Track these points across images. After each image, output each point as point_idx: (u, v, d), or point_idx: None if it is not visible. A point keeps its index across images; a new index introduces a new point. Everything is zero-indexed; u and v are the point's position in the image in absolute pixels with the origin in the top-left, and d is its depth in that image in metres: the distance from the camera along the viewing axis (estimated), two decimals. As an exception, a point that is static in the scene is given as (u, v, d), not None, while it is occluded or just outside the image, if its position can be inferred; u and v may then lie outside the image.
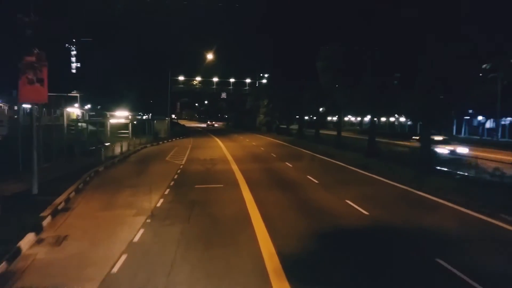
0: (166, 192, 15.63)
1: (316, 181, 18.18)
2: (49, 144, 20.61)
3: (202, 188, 16.71)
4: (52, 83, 15.07)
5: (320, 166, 24.70)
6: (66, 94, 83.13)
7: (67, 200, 13.78)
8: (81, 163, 21.96)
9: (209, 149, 36.65)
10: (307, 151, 33.41)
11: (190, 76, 75.21)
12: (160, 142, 43.20)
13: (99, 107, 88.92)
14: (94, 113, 58.81)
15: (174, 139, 49.42)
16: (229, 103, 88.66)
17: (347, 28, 27.94)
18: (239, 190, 16.05)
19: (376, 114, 31.96)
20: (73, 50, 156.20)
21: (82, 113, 75.15)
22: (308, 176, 19.42)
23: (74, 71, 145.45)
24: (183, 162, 26.10)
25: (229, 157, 28.99)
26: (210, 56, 53.64)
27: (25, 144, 16.74)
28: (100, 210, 12.93)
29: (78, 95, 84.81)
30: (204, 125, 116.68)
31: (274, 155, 30.39)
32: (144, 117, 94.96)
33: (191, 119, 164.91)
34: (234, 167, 23.32)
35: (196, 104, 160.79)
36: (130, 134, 44.66)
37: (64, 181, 16.26)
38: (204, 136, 60.36)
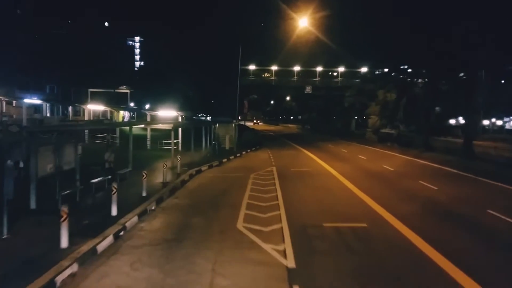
0: None
1: None
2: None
3: None
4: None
5: None
6: (113, 90, 71.12)
7: None
8: None
9: (313, 178, 20.04)
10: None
11: (263, 64, 59.17)
12: (224, 160, 27.33)
13: (147, 106, 76.59)
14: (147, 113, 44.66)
15: (243, 152, 33.39)
16: (315, 98, 70.86)
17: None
18: None
19: None
20: (136, 48, 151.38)
21: (132, 114, 61.99)
22: None
23: (136, 69, 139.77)
24: (286, 242, 9.63)
25: (392, 220, 11.95)
26: (303, 23, 36.62)
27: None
28: None
29: (128, 91, 72.79)
30: (272, 127, 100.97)
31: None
32: (204, 118, 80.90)
33: (257, 120, 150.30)
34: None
35: (272, 102, 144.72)
36: (179, 145, 29.48)
37: None
38: (284, 146, 43.64)
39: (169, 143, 30.42)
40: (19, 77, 47.84)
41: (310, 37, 48.35)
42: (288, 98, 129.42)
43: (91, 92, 63.81)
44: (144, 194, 14.28)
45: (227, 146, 34.05)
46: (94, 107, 34.11)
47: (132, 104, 79.43)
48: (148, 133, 30.84)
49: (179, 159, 20.08)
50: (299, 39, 47.22)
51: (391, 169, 23.54)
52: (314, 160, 28.75)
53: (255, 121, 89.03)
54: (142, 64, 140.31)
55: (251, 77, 58.91)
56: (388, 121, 40.01)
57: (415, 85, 36.81)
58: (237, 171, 22.81)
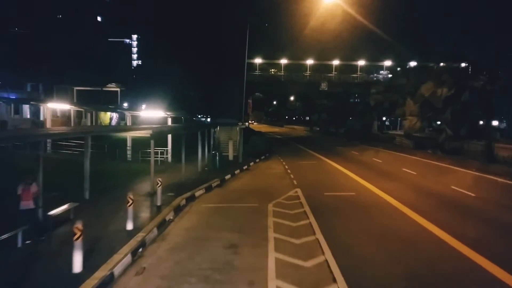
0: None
1: None
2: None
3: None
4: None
5: None
6: (100, 88, 64.54)
7: None
8: None
9: (368, 214, 13.37)
10: None
11: (270, 58, 52.02)
12: (227, 176, 20.47)
13: (144, 106, 69.90)
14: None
15: (251, 163, 26.50)
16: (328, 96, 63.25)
17: None
18: None
19: None
20: (134, 47, 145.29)
21: (121, 115, 55.02)
22: None
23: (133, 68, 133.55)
24: None
25: None
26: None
27: None
28: None
29: (118, 89, 66.10)
30: (277, 129, 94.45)
31: None
32: (205, 119, 73.81)
33: (259, 121, 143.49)
34: None
35: (274, 102, 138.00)
36: (169, 155, 22.69)
37: None
38: (298, 153, 36.73)
39: (158, 151, 23.54)
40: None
41: (328, 24, 41.51)
42: (292, 98, 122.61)
43: (77, 90, 57.31)
44: (76, 269, 7.36)
45: (230, 155, 27.06)
46: (60, 106, 27.18)
47: (126, 104, 72.71)
48: (129, 139, 23.87)
49: (159, 183, 13.15)
50: (316, 25, 40.34)
51: (472, 194, 16.50)
52: (347, 175, 21.74)
53: (250, 121, 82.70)
54: (140, 63, 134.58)
55: (256, 72, 51.77)
56: (431, 123, 32.97)
57: (475, 79, 29.71)
58: (246, 197, 15.86)
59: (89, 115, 38.74)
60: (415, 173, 22.27)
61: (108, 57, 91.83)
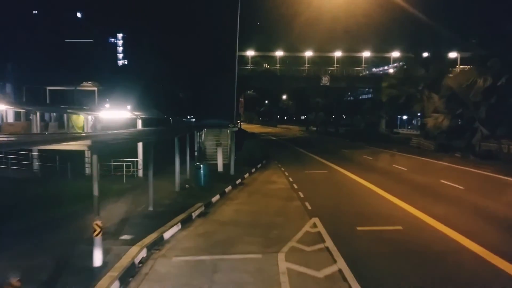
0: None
1: None
2: None
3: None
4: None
5: None
6: (74, 88, 59.06)
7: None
8: None
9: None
10: None
11: (264, 50, 46.58)
12: (214, 198, 15.32)
13: (128, 107, 64.75)
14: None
15: (246, 175, 21.33)
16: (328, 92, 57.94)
17: None
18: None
19: None
20: (119, 46, 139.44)
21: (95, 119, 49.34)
22: None
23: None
24: None
25: None
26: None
27: None
28: None
29: (95, 88, 60.62)
30: (270, 129, 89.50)
31: None
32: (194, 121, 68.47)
33: (250, 122, 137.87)
34: None
35: (266, 102, 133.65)
36: (140, 167, 17.37)
37: None
38: (301, 159, 31.67)
39: (124, 163, 18.19)
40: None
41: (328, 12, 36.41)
42: (284, 97, 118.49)
43: (50, 90, 51.88)
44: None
45: (219, 165, 21.66)
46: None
47: (108, 105, 67.28)
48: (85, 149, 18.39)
49: (96, 230, 7.84)
50: (315, 13, 35.16)
51: None
52: (374, 192, 16.57)
53: (239, 121, 77.09)
54: (126, 63, 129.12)
55: (249, 66, 46.34)
56: (462, 122, 27.81)
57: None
58: (242, 236, 10.62)
59: (65, 117, 32.99)
60: (462, 188, 17.13)
61: (90, 56, 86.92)
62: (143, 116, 20.10)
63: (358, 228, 11.16)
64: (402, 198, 14.84)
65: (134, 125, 20.74)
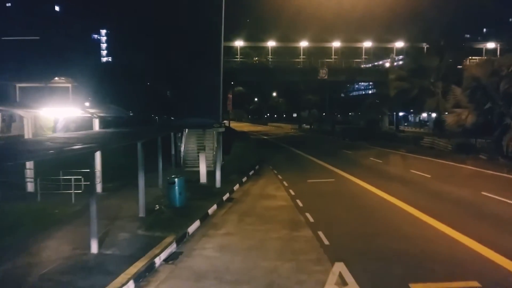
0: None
1: None
2: None
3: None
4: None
5: None
6: (45, 84, 54.52)
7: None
8: None
9: None
10: None
11: (254, 39, 42.27)
12: (191, 229, 11.11)
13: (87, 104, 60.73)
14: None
15: (235, 187, 17.29)
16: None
17: None
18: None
19: None
20: (103, 43, 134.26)
21: (67, 118, 44.68)
22: None
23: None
24: None
25: None
26: None
27: None
28: None
29: (69, 85, 56.13)
30: (260, 127, 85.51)
31: None
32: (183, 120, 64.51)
33: (239, 120, 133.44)
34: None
35: (256, 99, 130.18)
36: (99, 180, 13.05)
37: None
38: (300, 163, 27.81)
39: (72, 178, 13.94)
40: None
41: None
42: (275, 94, 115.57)
43: (20, 87, 47.33)
44: None
45: (202, 174, 17.45)
46: None
47: (87, 104, 62.89)
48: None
49: None
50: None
51: None
52: (405, 212, 12.62)
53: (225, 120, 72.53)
54: (110, 60, 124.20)
55: (238, 58, 41.97)
56: (491, 118, 24.03)
57: None
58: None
59: (29, 118, 28.28)
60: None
61: (70, 52, 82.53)
62: (102, 115, 15.85)
63: (411, 285, 7.15)
64: (453, 225, 10.80)
65: (89, 126, 16.46)
